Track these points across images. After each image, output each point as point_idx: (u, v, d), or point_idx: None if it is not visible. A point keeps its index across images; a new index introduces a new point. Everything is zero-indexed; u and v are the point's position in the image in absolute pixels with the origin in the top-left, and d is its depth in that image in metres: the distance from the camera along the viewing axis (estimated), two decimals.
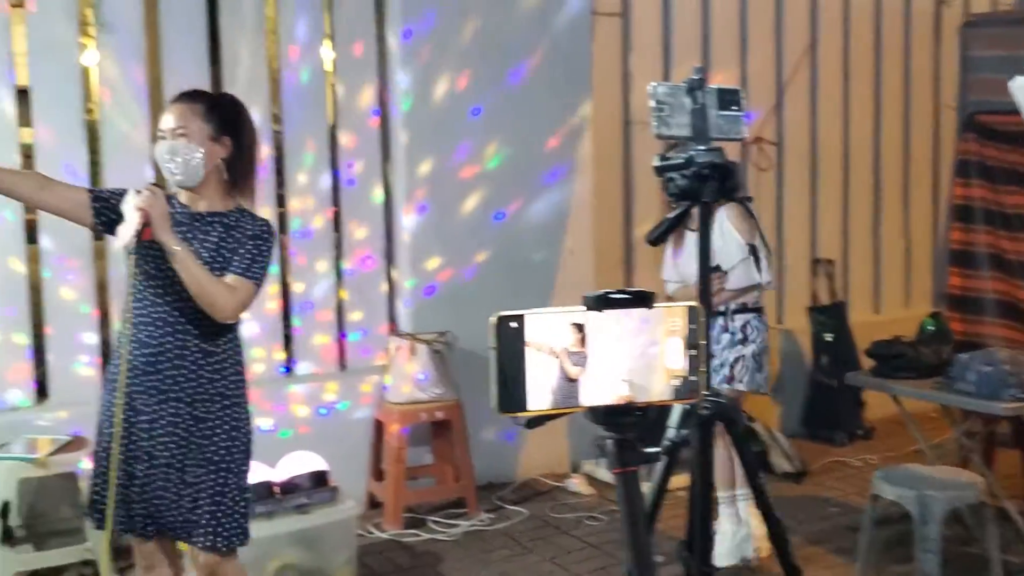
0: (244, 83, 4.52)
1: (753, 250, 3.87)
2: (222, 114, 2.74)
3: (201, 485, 2.69)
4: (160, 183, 2.72)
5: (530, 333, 1.48)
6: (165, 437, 2.67)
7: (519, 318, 1.48)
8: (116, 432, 2.63)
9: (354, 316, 4.86)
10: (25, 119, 4.21)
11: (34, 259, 4.26)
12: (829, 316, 5.93)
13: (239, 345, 2.82)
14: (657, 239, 2.45)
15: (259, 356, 4.59)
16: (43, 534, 3.88)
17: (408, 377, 4.52)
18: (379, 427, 4.68)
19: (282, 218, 4.73)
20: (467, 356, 4.72)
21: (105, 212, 2.71)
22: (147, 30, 4.39)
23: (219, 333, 2.72)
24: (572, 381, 1.50)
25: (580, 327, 1.51)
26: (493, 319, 1.47)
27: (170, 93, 4.37)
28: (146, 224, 2.52)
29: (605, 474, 5.02)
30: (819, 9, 6.20)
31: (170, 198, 2.74)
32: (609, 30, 5.49)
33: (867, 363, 4.70)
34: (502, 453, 5.01)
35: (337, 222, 4.84)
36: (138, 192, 2.59)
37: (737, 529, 3.93)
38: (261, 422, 4.44)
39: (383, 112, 4.88)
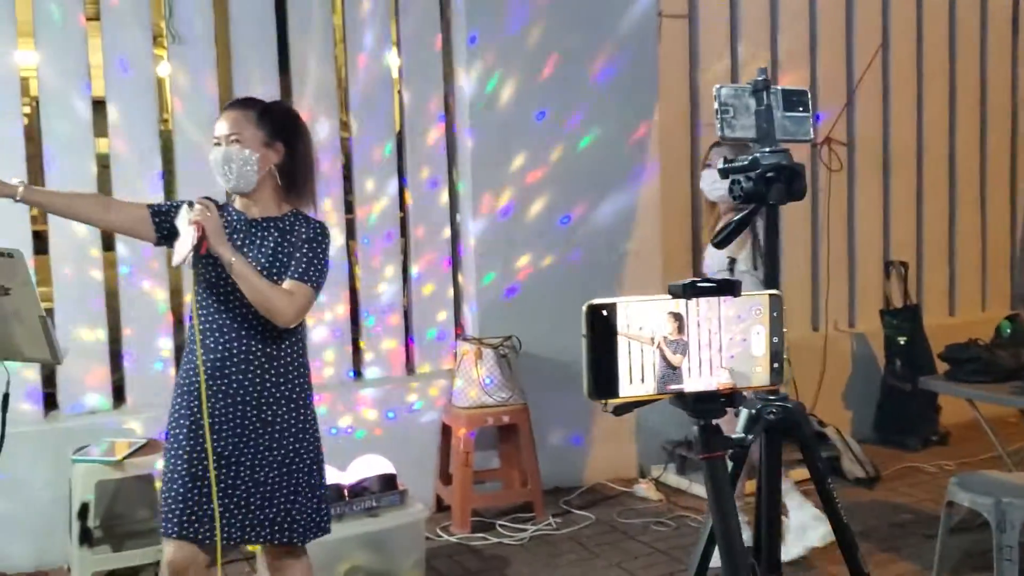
0: (313, 91, 4.59)
1: (731, 263, 3.86)
2: (275, 120, 2.78)
3: (274, 486, 2.75)
4: (211, 197, 2.74)
5: (622, 321, 1.54)
6: (234, 438, 2.72)
7: (611, 306, 1.54)
8: (207, 442, 2.68)
9: (421, 320, 4.90)
10: (101, 129, 4.33)
11: (110, 265, 4.38)
12: (902, 319, 5.81)
13: (303, 348, 2.86)
14: (722, 242, 2.43)
15: (329, 360, 4.67)
16: (120, 535, 3.99)
17: (475, 381, 4.54)
18: (446, 431, 4.71)
19: (350, 224, 4.79)
20: (533, 360, 4.73)
21: (165, 226, 2.77)
22: (218, 41, 4.48)
23: (282, 337, 2.76)
24: (673, 368, 1.57)
25: (678, 316, 1.57)
26: (585, 307, 1.52)
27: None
28: (202, 238, 2.57)
29: (673, 479, 5.00)
30: (891, 6, 6.08)
31: (225, 205, 2.80)
32: (675, 32, 5.46)
33: (942, 367, 4.60)
34: (569, 458, 5.00)
35: (404, 227, 4.89)
36: (191, 206, 2.64)
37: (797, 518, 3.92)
38: (331, 425, 4.52)
39: (449, 117, 4.91)
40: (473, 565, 4.18)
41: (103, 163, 4.40)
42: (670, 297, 1.58)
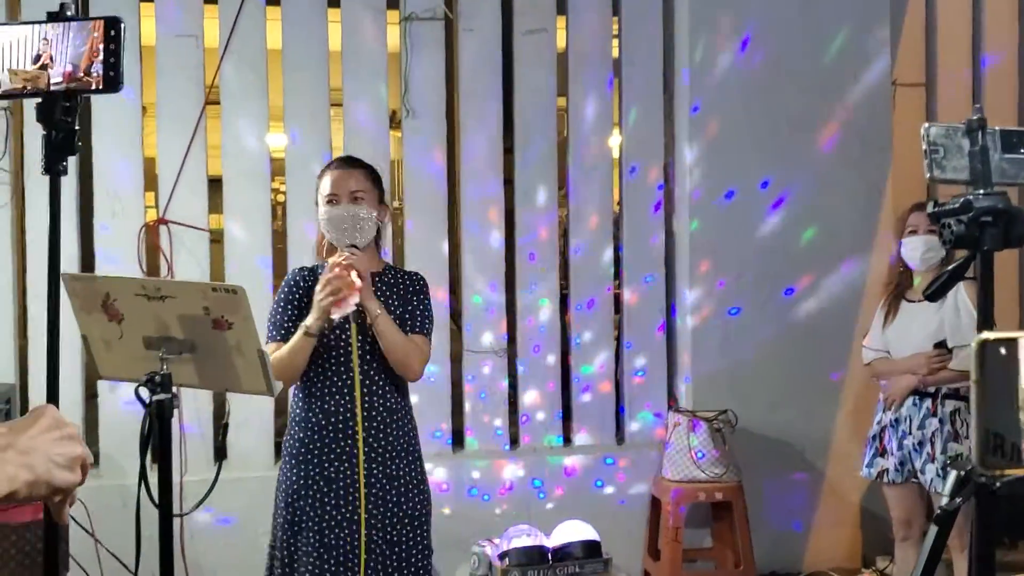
0: (534, 165, 4.73)
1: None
2: (380, 182, 2.88)
3: (408, 544, 2.74)
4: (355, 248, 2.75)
5: None
6: (367, 496, 2.70)
7: (1010, 342, 1.25)
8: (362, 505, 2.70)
9: (633, 390, 4.85)
10: None
11: None
12: None
13: (411, 405, 2.88)
14: (934, 294, 2.27)
15: (538, 425, 4.70)
16: None
17: (686, 454, 4.42)
18: (656, 504, 4.60)
19: (563, 296, 4.86)
20: (751, 438, 4.57)
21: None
22: (448, 114, 4.72)
23: (398, 389, 2.79)
24: None
25: None
26: (975, 343, 1.24)
27: (468, 175, 4.69)
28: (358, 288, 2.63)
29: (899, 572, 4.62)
30: None
31: (313, 272, 2.84)
32: (912, 101, 5.23)
33: None
34: (788, 541, 4.75)
35: (619, 296, 4.89)
36: (342, 259, 2.65)
37: None
38: (538, 489, 4.54)
39: (668, 186, 4.91)
40: None
41: None
42: None
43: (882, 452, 3.75)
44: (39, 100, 1.54)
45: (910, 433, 3.66)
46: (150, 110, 4.51)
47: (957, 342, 3.57)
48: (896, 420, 3.72)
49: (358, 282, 2.63)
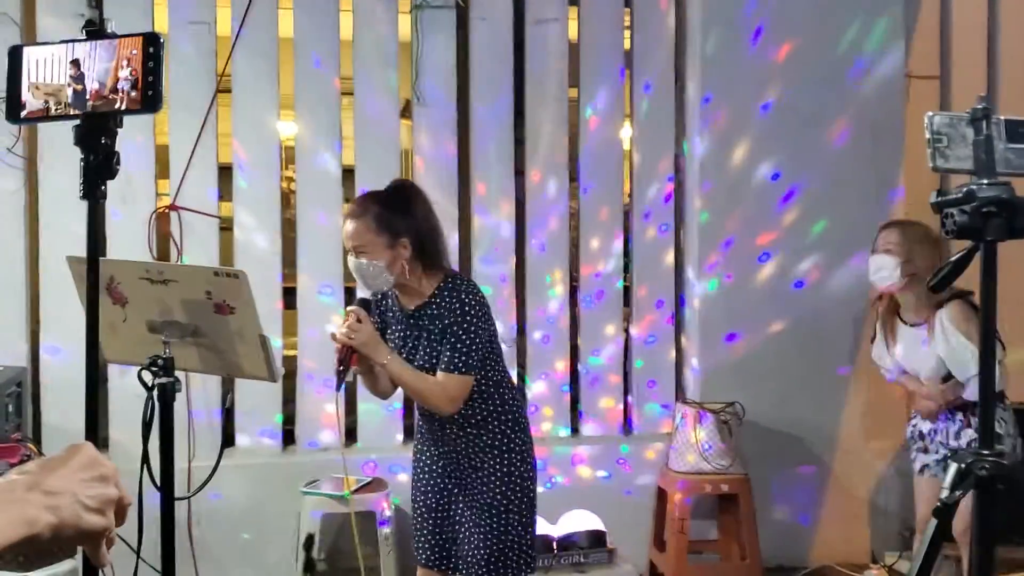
0: (544, 154, 4.73)
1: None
2: (393, 219, 2.72)
3: (486, 528, 2.82)
4: (366, 298, 2.84)
5: None
6: (456, 476, 2.90)
7: None
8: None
9: (641, 381, 4.85)
10: (349, 194, 4.64)
11: None
12: None
13: (503, 401, 2.86)
14: (939, 284, 2.25)
15: (546, 415, 4.70)
16: (342, 570, 4.15)
17: (693, 446, 4.41)
18: (662, 495, 4.59)
19: (573, 287, 4.85)
20: (758, 430, 4.56)
21: None
22: (459, 104, 4.71)
23: (472, 401, 2.81)
24: None
25: None
26: None
27: (478, 165, 4.69)
28: (348, 357, 2.69)
29: (908, 567, 4.60)
30: None
31: (387, 295, 2.90)
32: (926, 93, 5.18)
33: None
34: (795, 535, 4.74)
35: (628, 288, 4.89)
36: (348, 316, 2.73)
37: None
38: (544, 479, 4.54)
39: (678, 178, 4.90)
40: None
41: None
42: None
43: (925, 449, 3.72)
44: (76, 123, 1.47)
45: (947, 444, 3.64)
46: None
47: (964, 374, 3.52)
48: (933, 431, 3.69)
49: (346, 341, 2.69)
